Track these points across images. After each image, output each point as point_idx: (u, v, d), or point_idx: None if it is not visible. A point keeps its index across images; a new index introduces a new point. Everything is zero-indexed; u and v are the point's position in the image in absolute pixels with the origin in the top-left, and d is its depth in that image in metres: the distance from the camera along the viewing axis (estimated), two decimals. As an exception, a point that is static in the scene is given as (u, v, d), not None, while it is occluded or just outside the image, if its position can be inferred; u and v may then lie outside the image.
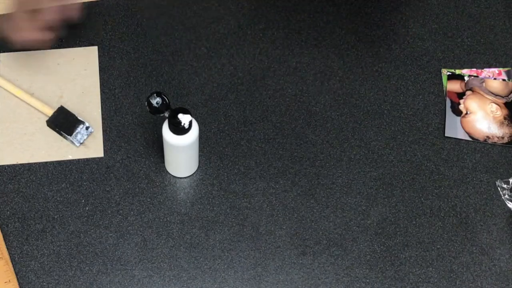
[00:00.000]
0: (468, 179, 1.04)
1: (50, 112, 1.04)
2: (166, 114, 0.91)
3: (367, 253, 0.99)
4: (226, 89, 1.08)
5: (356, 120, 1.07)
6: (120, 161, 1.03)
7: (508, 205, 1.02)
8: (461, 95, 1.09)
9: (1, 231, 0.97)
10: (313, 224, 1.00)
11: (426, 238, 1.00)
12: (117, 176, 1.02)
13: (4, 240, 0.97)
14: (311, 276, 0.97)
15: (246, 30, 1.12)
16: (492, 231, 1.01)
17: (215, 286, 0.96)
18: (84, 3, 1.12)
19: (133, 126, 1.05)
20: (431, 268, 0.98)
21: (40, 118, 1.05)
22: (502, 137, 1.07)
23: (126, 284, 0.96)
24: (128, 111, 1.06)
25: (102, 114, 1.05)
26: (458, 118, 1.08)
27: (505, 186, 1.03)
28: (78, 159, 1.02)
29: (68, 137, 1.02)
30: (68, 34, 1.10)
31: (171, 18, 1.13)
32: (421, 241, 1.00)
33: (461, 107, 1.09)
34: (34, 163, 1.02)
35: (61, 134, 1.03)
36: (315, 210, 1.01)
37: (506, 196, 1.03)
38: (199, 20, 1.13)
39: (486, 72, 1.11)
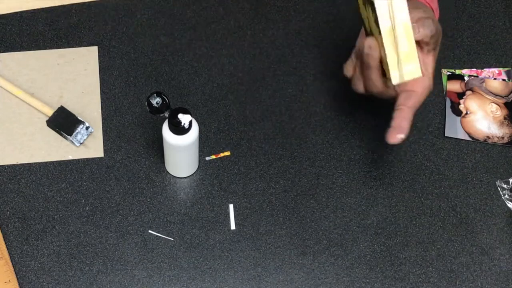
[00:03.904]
0: (468, 179, 1.04)
1: (50, 112, 1.04)
2: (166, 114, 0.91)
3: (367, 253, 0.99)
4: (226, 89, 1.08)
5: (356, 120, 1.07)
6: (120, 161, 1.03)
7: (508, 205, 1.02)
8: (461, 95, 1.09)
9: (1, 231, 0.97)
10: (313, 224, 1.00)
11: (426, 238, 1.00)
12: (117, 176, 1.02)
13: (4, 240, 0.97)
14: (311, 276, 0.97)
15: (246, 30, 1.12)
16: (492, 231, 1.01)
17: (215, 286, 0.96)
18: (84, 3, 1.13)
19: (133, 126, 1.05)
20: (431, 268, 0.98)
21: (40, 118, 1.05)
22: (502, 137, 1.07)
23: (126, 284, 0.96)
24: (128, 111, 1.06)
25: (102, 114, 1.05)
26: (458, 118, 1.08)
27: (505, 186, 1.03)
28: (78, 159, 1.02)
29: (68, 137, 1.02)
30: (68, 34, 1.10)
31: (171, 18, 1.13)
32: (421, 241, 1.00)
33: (461, 107, 1.09)
34: (34, 163, 1.02)
35: (61, 134, 1.03)
36: (315, 210, 1.01)
37: (506, 196, 1.03)
38: (199, 20, 1.13)
39: (486, 72, 1.12)
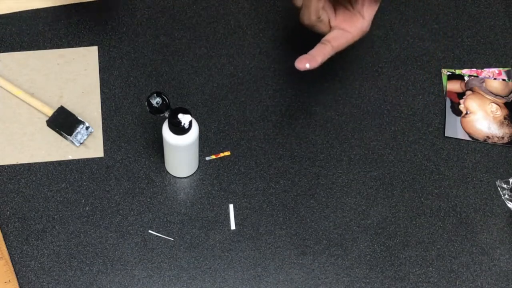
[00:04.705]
0: (468, 179, 1.04)
1: (50, 112, 1.04)
2: (166, 114, 0.91)
3: (367, 253, 0.99)
4: (226, 89, 1.08)
5: (356, 120, 1.07)
6: (120, 161, 1.03)
7: (508, 205, 1.02)
8: (461, 95, 1.10)
9: (1, 231, 0.97)
10: (313, 224, 1.00)
11: (426, 238, 1.00)
12: (117, 176, 1.02)
13: (4, 240, 0.97)
14: (311, 276, 0.97)
15: (246, 30, 1.12)
16: (492, 231, 1.01)
17: (215, 286, 0.96)
18: (84, 3, 1.13)
19: (133, 126, 1.05)
20: (431, 268, 0.98)
21: (40, 118, 1.05)
22: (502, 137, 1.07)
23: (126, 284, 0.96)
24: (128, 111, 1.06)
25: (102, 114, 1.05)
26: (458, 118, 1.08)
27: (505, 186, 1.03)
28: (78, 159, 1.02)
29: (68, 137, 1.02)
30: (68, 34, 1.10)
31: (171, 18, 1.13)
32: (421, 241, 1.00)
33: (461, 107, 1.09)
34: (34, 163, 1.02)
35: (61, 134, 1.03)
36: (315, 210, 1.01)
37: (506, 196, 1.03)
38: (199, 20, 1.13)
39: (486, 72, 1.12)
